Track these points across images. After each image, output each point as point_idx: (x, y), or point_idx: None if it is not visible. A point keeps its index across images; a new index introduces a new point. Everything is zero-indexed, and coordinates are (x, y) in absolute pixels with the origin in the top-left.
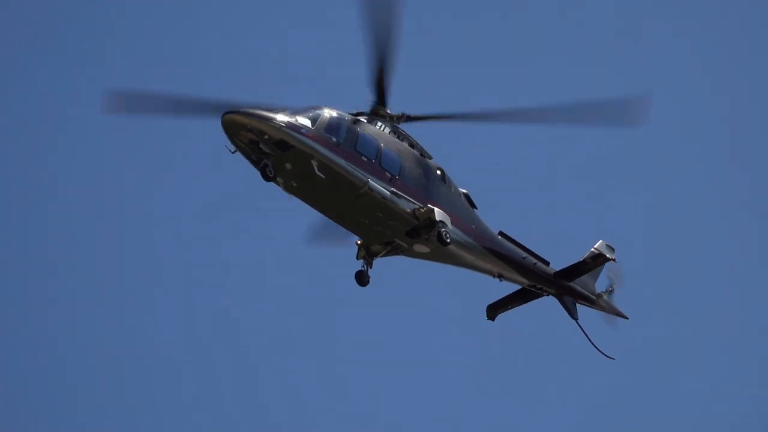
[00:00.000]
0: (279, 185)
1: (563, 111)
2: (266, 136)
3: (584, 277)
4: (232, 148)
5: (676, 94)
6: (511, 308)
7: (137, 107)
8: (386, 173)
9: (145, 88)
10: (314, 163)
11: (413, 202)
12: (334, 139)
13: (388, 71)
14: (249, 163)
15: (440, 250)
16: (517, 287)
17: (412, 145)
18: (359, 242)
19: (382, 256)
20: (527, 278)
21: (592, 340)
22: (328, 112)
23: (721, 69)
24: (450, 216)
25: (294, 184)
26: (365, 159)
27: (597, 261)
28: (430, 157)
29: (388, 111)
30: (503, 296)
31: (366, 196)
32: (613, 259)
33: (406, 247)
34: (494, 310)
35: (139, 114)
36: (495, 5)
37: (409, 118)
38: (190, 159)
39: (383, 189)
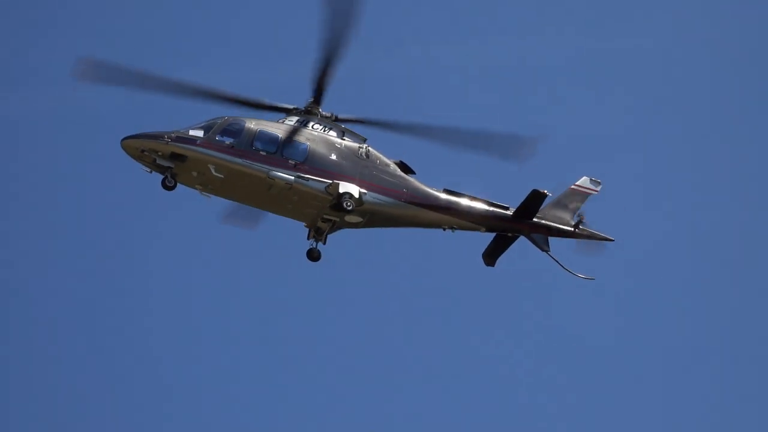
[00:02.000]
0: (198, 191)
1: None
2: (159, 153)
3: (557, 212)
4: (147, 169)
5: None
6: (501, 253)
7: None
8: (290, 161)
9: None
10: (211, 167)
11: (323, 181)
12: (227, 142)
13: (331, 72)
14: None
15: (371, 216)
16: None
17: (343, 132)
18: (306, 224)
19: (329, 233)
20: (483, 224)
21: (566, 267)
22: (222, 121)
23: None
24: (368, 186)
25: (210, 187)
26: (264, 153)
27: (538, 197)
28: (364, 140)
29: (321, 111)
30: (488, 245)
31: (274, 185)
32: (591, 191)
33: (339, 220)
34: (489, 257)
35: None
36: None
37: (338, 119)
38: None
39: (287, 175)
